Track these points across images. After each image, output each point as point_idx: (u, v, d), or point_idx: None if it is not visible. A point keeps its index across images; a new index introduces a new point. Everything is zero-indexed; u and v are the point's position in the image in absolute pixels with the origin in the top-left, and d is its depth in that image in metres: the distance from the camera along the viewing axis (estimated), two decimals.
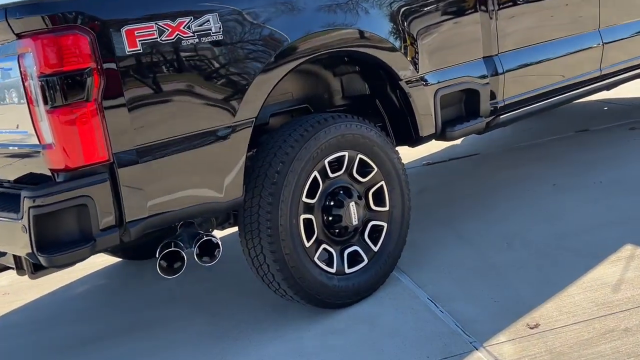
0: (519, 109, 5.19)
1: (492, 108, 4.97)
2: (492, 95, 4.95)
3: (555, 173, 5.95)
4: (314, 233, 4.12)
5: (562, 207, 5.18)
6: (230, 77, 3.68)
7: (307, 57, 3.99)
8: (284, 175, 3.95)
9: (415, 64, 4.48)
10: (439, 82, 4.62)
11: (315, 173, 4.09)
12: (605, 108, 8.05)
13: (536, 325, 3.68)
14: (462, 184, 6.10)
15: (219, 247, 3.77)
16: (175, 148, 3.52)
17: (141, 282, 5.18)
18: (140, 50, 3.40)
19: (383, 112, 4.64)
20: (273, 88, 3.89)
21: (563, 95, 5.51)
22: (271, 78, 3.85)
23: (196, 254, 3.76)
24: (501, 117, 5.06)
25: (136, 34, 3.38)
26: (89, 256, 3.34)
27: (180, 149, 3.54)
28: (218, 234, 4.48)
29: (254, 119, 3.81)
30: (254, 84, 3.76)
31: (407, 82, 4.44)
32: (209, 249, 3.79)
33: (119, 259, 5.62)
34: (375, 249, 4.35)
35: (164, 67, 3.47)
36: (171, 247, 3.68)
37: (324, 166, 4.13)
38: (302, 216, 4.06)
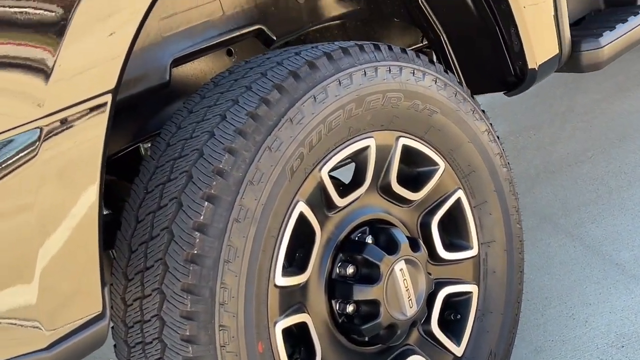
0: None
1: None
2: None
3: None
4: (314, 356, 1.74)
5: None
6: None
7: None
8: (221, 233, 1.55)
9: None
10: None
11: (301, 205, 1.69)
12: None
13: None
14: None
15: None
16: None
17: None
18: None
19: (437, 24, 2.17)
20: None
21: None
22: None
23: None
24: None
25: None
26: None
27: None
28: None
29: (110, 92, 1.40)
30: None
31: None
32: None
33: None
34: (459, 349, 1.98)
35: None
36: None
37: (321, 183, 1.73)
38: (281, 326, 1.67)
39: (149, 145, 2.16)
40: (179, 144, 1.67)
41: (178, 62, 1.91)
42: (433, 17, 2.18)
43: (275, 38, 2.07)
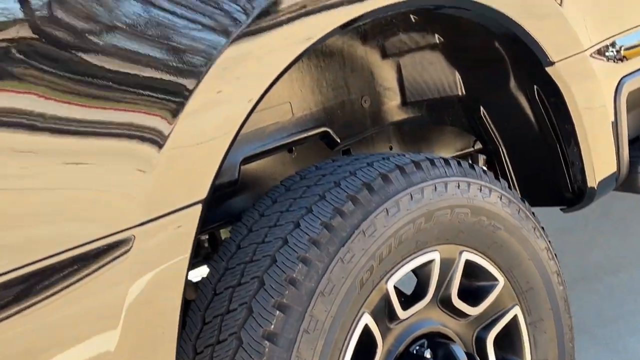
0: None
1: None
2: None
3: None
4: None
5: None
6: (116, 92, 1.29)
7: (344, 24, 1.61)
8: (290, 344, 1.59)
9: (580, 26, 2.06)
10: (626, 58, 2.20)
11: (366, 317, 1.70)
12: None
13: None
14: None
15: None
16: None
17: None
18: None
19: (496, 136, 2.21)
20: (250, 116, 1.53)
21: None
22: (248, 82, 1.47)
23: None
24: None
25: None
26: None
27: None
28: None
29: (200, 203, 1.42)
30: (192, 106, 1.37)
31: (566, 64, 2.03)
32: None
33: None
34: None
35: None
36: None
37: (386, 294, 1.74)
38: None
39: (205, 237, 2.19)
40: (250, 248, 1.69)
41: (245, 160, 1.95)
42: (494, 129, 2.22)
43: (338, 140, 2.11)
